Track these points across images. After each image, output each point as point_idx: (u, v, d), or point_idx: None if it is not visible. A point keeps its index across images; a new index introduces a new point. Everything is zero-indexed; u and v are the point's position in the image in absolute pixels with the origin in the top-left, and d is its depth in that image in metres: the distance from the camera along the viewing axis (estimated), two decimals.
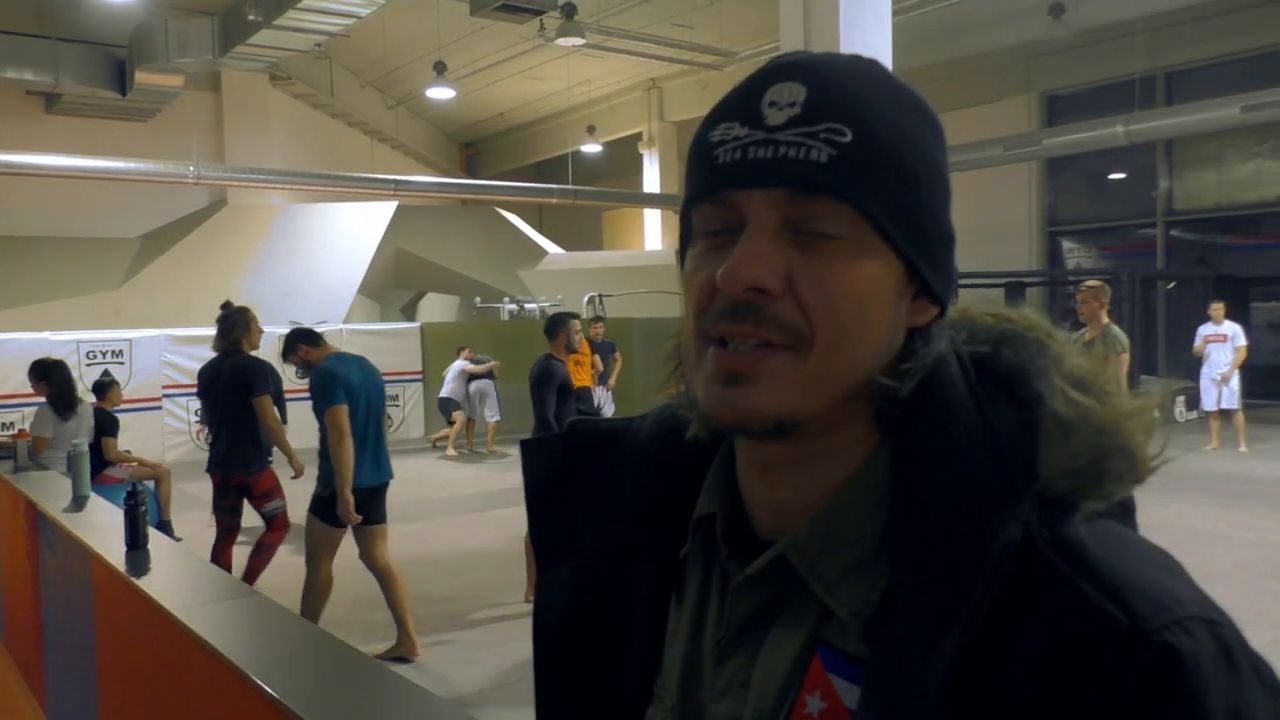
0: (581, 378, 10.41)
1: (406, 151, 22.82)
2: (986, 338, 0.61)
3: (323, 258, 16.28)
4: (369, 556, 4.67)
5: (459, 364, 11.89)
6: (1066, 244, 17.24)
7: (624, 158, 22.14)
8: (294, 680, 1.75)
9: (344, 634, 4.81)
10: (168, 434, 11.49)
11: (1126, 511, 0.58)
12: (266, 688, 1.68)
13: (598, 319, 10.89)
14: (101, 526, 3.18)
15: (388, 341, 13.16)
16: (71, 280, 14.64)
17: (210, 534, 5.39)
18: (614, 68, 18.53)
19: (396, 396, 13.11)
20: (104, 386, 7.28)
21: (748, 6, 14.12)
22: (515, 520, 7.20)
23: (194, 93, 16.73)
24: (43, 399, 6.07)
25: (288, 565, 5.48)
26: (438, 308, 20.93)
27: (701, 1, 14.36)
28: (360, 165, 19.20)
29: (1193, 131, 13.10)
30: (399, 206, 17.29)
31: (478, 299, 17.80)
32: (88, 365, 10.80)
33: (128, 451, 7.54)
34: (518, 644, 4.80)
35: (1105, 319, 5.90)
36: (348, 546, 4.67)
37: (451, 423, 11.89)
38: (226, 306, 5.45)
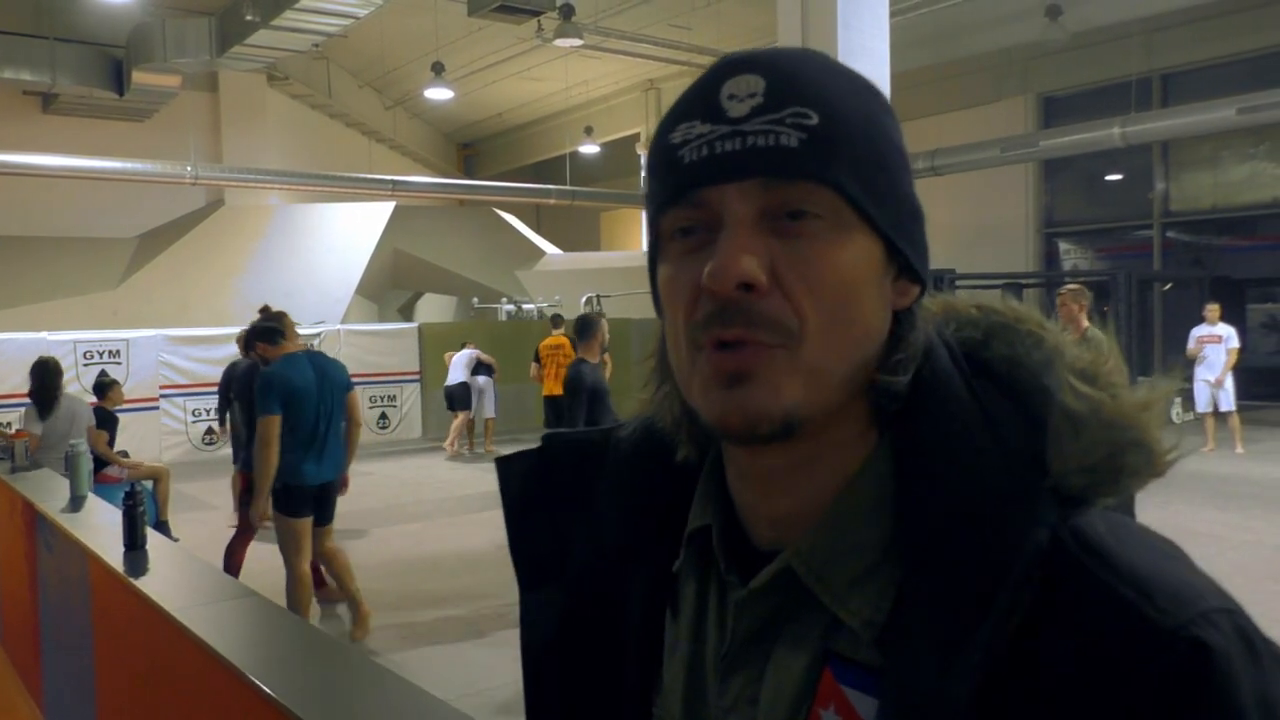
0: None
1: (404, 152, 22.81)
2: (974, 330, 0.61)
3: (320, 258, 16.27)
4: (316, 552, 4.89)
5: (468, 352, 11.84)
6: (1063, 245, 17.26)
7: (622, 158, 22.14)
8: (293, 680, 1.75)
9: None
10: (165, 434, 11.46)
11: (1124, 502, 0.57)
12: (265, 688, 1.68)
13: None
14: (99, 527, 3.18)
15: (385, 342, 13.16)
16: (69, 280, 14.63)
17: (209, 534, 5.39)
18: (612, 69, 18.53)
19: (394, 397, 13.12)
20: (104, 387, 7.28)
21: (745, 8, 14.13)
22: None
23: (191, 93, 16.73)
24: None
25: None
26: (435, 308, 20.93)
27: (699, 3, 14.38)
28: (358, 165, 19.19)
29: (1189, 133, 13.12)
30: (397, 207, 17.29)
31: (475, 299, 17.81)
32: (85, 365, 10.78)
33: (124, 454, 7.53)
34: (517, 644, 4.80)
35: (1085, 322, 5.90)
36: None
37: (457, 415, 11.88)
38: (265, 311, 5.50)
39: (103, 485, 5.89)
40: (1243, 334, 10.50)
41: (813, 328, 0.54)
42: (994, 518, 0.52)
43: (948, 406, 0.56)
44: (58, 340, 10.63)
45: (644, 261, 0.64)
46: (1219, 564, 5.95)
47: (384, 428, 12.99)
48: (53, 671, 3.53)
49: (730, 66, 0.58)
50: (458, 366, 11.75)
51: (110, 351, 11.22)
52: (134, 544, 2.78)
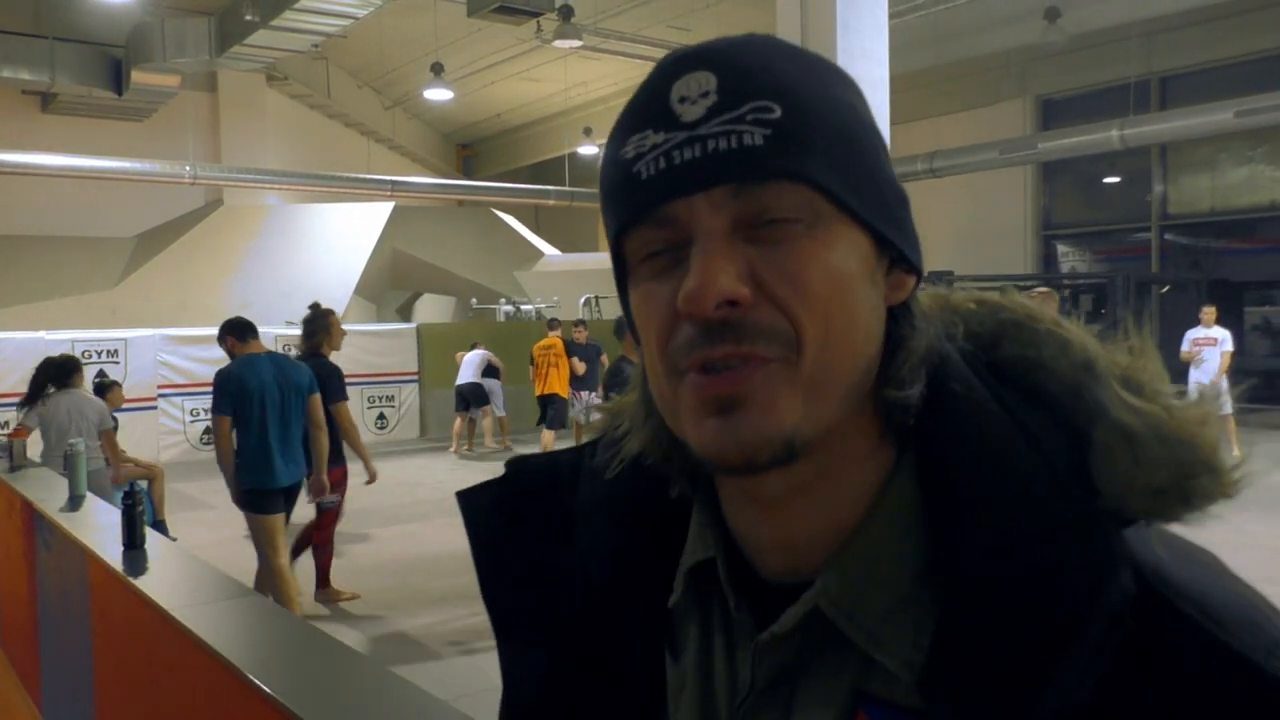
0: (556, 383, 10.44)
1: (403, 152, 22.81)
2: (980, 328, 0.56)
3: (319, 258, 16.27)
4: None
5: (480, 352, 11.82)
6: (1061, 248, 17.29)
7: None
8: (292, 680, 1.75)
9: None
10: (163, 434, 11.46)
11: None
12: (264, 687, 1.68)
13: (580, 323, 10.91)
14: (98, 526, 3.18)
15: (384, 342, 13.16)
16: (67, 280, 14.62)
17: (207, 533, 5.39)
18: (611, 70, 18.54)
19: (393, 397, 13.13)
20: (104, 387, 7.29)
21: (745, 9, 14.13)
22: None
23: (190, 93, 16.73)
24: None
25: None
26: (434, 309, 20.92)
27: (699, 4, 14.39)
28: (357, 166, 19.20)
29: (1187, 136, 13.15)
30: (395, 207, 17.29)
31: (474, 300, 17.81)
32: (83, 365, 10.77)
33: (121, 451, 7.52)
34: None
35: None
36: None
37: (459, 415, 11.88)
38: (314, 308, 5.55)
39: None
40: (1238, 337, 10.51)
41: (810, 336, 0.49)
42: (1052, 546, 0.47)
43: (976, 418, 0.51)
44: (56, 339, 10.61)
45: None
46: None
47: (382, 428, 12.99)
48: (51, 671, 3.53)
49: (676, 65, 0.52)
50: (469, 366, 11.71)
51: (108, 351, 11.22)
52: (133, 543, 2.78)
